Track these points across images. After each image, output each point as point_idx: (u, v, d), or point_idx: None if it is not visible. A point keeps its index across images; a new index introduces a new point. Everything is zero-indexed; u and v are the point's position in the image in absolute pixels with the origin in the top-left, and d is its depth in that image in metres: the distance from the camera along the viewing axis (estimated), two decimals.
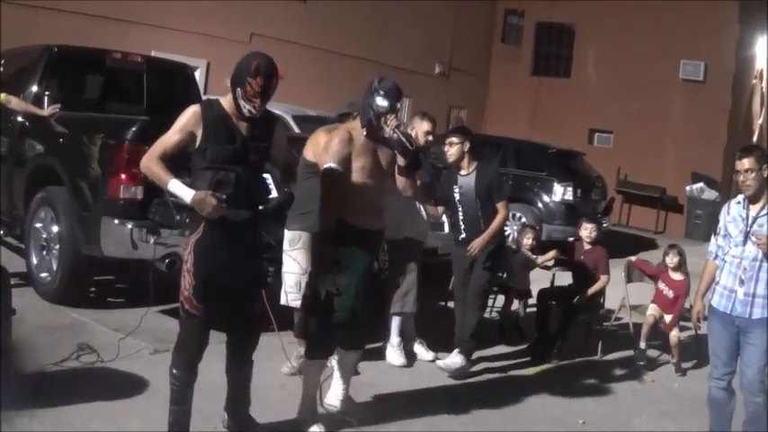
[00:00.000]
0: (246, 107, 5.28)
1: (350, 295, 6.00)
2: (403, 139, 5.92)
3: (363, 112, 6.12)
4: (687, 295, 9.35)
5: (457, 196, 8.36)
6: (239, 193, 5.32)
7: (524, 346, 9.50)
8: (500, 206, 8.33)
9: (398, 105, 6.08)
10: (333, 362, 6.69)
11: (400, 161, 6.13)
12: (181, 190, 5.24)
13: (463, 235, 8.39)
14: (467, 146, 8.36)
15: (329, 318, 6.04)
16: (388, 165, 6.24)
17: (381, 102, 5.97)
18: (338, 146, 6.03)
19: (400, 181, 6.30)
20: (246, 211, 5.41)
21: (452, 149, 8.36)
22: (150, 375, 6.84)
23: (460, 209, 8.38)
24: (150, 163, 5.31)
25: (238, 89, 5.28)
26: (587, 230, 9.75)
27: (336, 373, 6.71)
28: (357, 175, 6.05)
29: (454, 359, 8.22)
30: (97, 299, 9.15)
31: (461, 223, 8.41)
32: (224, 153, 5.30)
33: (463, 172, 8.38)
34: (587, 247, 9.76)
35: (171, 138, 5.32)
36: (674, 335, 9.41)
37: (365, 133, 6.10)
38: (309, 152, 7.37)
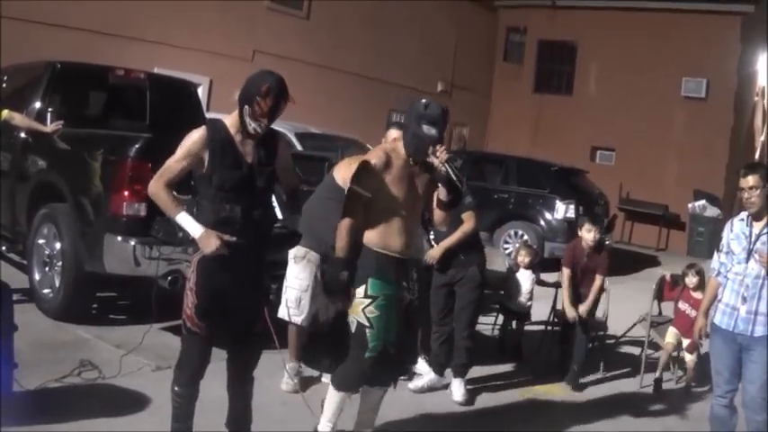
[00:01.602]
0: (252, 125, 5.24)
1: (381, 327, 5.78)
2: (452, 175, 5.57)
3: (409, 138, 5.76)
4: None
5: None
6: (246, 220, 5.31)
7: (525, 363, 9.48)
8: (464, 217, 8.11)
9: (445, 133, 5.79)
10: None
11: (443, 195, 5.78)
12: (189, 224, 5.22)
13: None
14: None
15: (362, 353, 5.82)
16: (423, 191, 5.94)
17: (429, 131, 5.62)
18: (374, 169, 5.70)
19: (438, 215, 6.00)
20: (252, 235, 5.39)
21: None
22: (152, 392, 6.83)
23: (431, 227, 8.14)
24: (158, 190, 5.27)
25: (246, 107, 5.21)
26: (591, 233, 9.09)
27: (360, 409, 6.31)
28: (391, 201, 5.74)
29: (429, 378, 8.23)
30: (99, 315, 9.14)
31: (433, 242, 8.28)
32: (230, 180, 5.24)
33: None
34: (588, 250, 9.16)
35: (178, 164, 5.25)
36: (691, 359, 9.25)
37: (411, 162, 5.79)
38: (340, 176, 7.11)
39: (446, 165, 5.58)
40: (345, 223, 5.69)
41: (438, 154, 5.59)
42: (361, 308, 5.77)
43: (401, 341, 5.99)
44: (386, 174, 5.71)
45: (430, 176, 5.91)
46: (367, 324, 5.75)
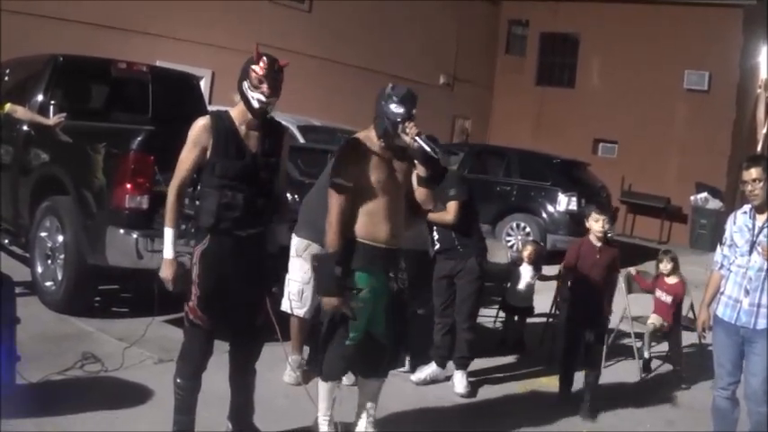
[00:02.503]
0: (255, 97, 5.28)
1: (363, 318, 5.79)
2: (426, 146, 5.58)
3: (378, 121, 5.77)
4: (684, 295, 9.58)
5: None
6: (247, 211, 5.33)
7: (527, 355, 9.49)
8: (448, 206, 8.00)
9: (414, 111, 5.76)
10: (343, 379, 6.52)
11: (421, 171, 5.81)
12: (168, 243, 5.36)
13: (437, 246, 8.26)
14: None
15: (343, 340, 5.84)
16: (404, 178, 5.92)
17: (397, 108, 5.66)
18: (351, 158, 5.71)
19: (420, 193, 5.96)
20: (254, 228, 5.42)
21: None
22: (154, 385, 6.84)
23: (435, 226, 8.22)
24: (171, 192, 5.35)
25: (245, 82, 5.31)
26: (599, 223, 8.10)
27: (359, 401, 6.30)
28: (373, 189, 5.71)
29: (431, 370, 8.24)
30: (102, 308, 9.17)
31: (435, 233, 8.26)
32: (233, 169, 5.29)
33: None
34: (598, 244, 8.16)
35: (188, 158, 5.31)
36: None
37: (383, 144, 5.78)
38: None
39: (418, 138, 5.59)
40: (334, 217, 5.66)
41: (408, 130, 5.63)
42: (344, 299, 5.75)
43: (390, 331, 5.99)
44: (363, 162, 5.69)
45: (408, 162, 5.90)
46: (350, 314, 5.74)
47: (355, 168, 5.67)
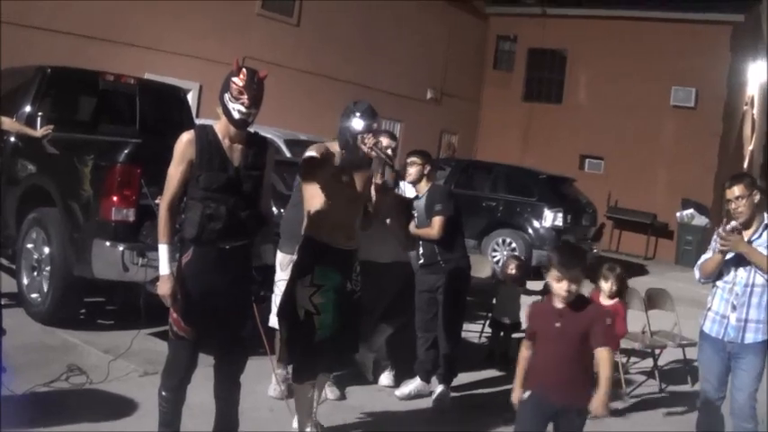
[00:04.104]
0: (236, 108, 5.31)
1: (329, 312, 5.96)
2: (382, 155, 5.89)
3: (341, 134, 6.11)
4: (621, 321, 8.31)
5: (415, 214, 8.23)
6: (231, 223, 5.34)
7: (513, 370, 9.45)
8: (433, 221, 8.03)
9: (375, 125, 6.09)
10: (327, 392, 6.62)
11: (377, 179, 6.06)
12: (163, 259, 5.31)
13: (421, 260, 8.27)
14: (427, 168, 8.26)
15: (311, 338, 5.98)
16: (363, 187, 6.17)
17: (357, 123, 6.00)
18: (317, 161, 5.90)
19: (376, 200, 6.21)
20: (237, 241, 5.42)
21: (412, 170, 8.24)
22: (139, 397, 6.82)
23: (417, 227, 8.25)
24: (163, 209, 5.33)
25: (226, 94, 5.34)
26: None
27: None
28: (332, 193, 5.97)
29: (415, 384, 8.22)
30: (87, 320, 9.12)
31: (420, 247, 8.28)
32: (217, 181, 5.30)
33: (419, 194, 8.25)
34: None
35: (176, 173, 5.33)
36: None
37: (344, 155, 6.06)
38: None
39: (374, 148, 5.86)
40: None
41: (365, 141, 5.88)
42: (309, 295, 5.94)
43: (344, 331, 6.09)
44: (326, 167, 5.91)
45: (367, 172, 6.15)
46: (314, 311, 5.92)
47: (319, 171, 5.91)
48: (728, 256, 6.41)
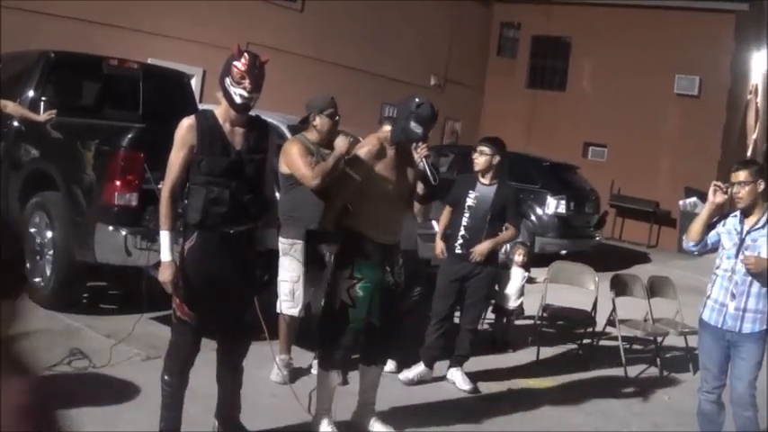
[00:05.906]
0: (237, 93, 5.31)
1: (364, 307, 6.01)
2: (428, 171, 5.95)
3: (396, 131, 6.14)
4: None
5: (470, 202, 8.19)
6: (234, 207, 5.34)
7: (514, 356, 9.50)
8: (513, 224, 8.35)
9: (430, 133, 6.13)
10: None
11: (420, 189, 6.15)
12: (165, 245, 5.33)
13: (459, 250, 8.20)
14: (496, 159, 8.26)
15: (342, 329, 6.05)
16: (410, 182, 6.24)
17: (416, 128, 6.00)
18: (367, 156, 6.04)
19: (416, 207, 6.32)
20: (241, 225, 5.43)
21: (481, 159, 8.25)
22: (142, 381, 6.85)
23: (467, 215, 8.21)
24: (164, 195, 5.35)
25: (227, 79, 5.35)
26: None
27: (360, 388, 6.65)
28: (382, 187, 6.02)
29: (419, 370, 8.25)
30: (90, 305, 9.15)
31: (464, 231, 8.20)
32: (219, 166, 5.31)
33: (485, 181, 8.26)
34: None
35: (177, 159, 5.34)
36: None
37: (395, 149, 6.12)
38: (283, 164, 7.22)
39: (424, 161, 5.96)
40: (336, 202, 6.14)
41: (419, 150, 5.98)
42: (346, 287, 6.00)
43: (385, 323, 6.16)
44: (377, 161, 6.00)
45: (415, 170, 6.22)
46: (350, 303, 5.99)
47: (368, 166, 5.99)
48: (728, 245, 6.43)
